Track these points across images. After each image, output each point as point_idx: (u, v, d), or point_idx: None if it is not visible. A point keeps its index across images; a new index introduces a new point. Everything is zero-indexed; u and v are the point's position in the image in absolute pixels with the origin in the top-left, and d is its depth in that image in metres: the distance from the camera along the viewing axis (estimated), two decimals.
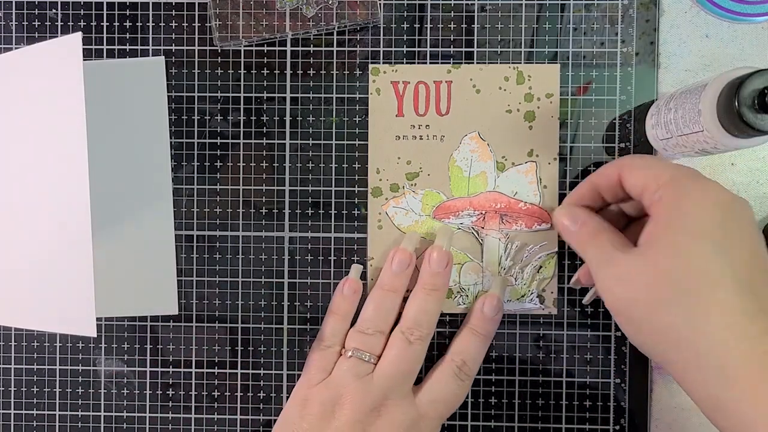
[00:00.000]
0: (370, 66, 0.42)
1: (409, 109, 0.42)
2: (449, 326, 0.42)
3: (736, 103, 0.31)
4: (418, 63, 0.42)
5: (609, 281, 0.33)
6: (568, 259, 0.42)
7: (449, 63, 0.42)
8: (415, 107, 0.42)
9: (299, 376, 0.42)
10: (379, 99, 0.42)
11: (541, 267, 0.42)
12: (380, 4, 0.41)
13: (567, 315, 0.42)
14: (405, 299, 0.41)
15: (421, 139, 0.42)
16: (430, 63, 0.42)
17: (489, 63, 0.42)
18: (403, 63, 0.42)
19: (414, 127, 0.42)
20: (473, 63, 0.42)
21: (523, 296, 0.42)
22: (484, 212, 0.42)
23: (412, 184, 0.42)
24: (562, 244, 0.42)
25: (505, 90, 0.41)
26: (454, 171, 0.42)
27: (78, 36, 0.35)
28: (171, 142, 0.42)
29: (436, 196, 0.42)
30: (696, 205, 0.32)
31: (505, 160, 0.42)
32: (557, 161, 0.42)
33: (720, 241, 0.31)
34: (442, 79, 0.42)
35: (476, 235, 0.42)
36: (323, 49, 0.42)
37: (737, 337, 0.29)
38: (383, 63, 0.42)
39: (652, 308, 0.31)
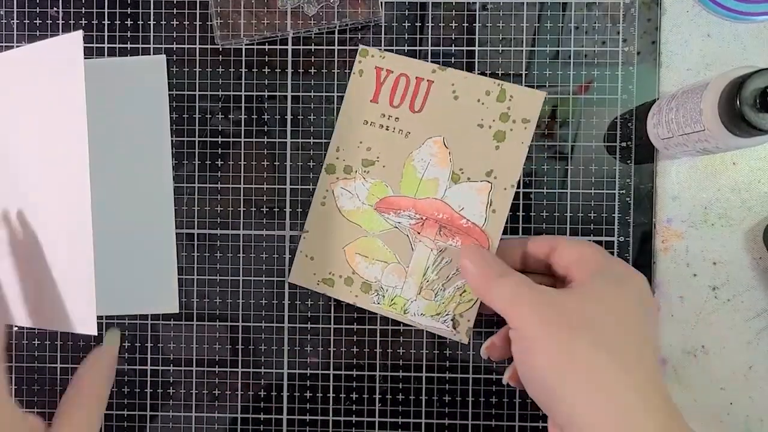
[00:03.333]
0: (360, 47, 0.41)
1: (385, 97, 0.41)
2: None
3: (738, 103, 0.31)
4: (408, 56, 0.41)
5: (529, 302, 0.33)
6: None
7: (437, 63, 0.41)
8: (390, 97, 0.41)
9: (300, 375, 0.42)
10: (359, 80, 0.42)
11: (465, 291, 0.41)
12: (381, 2, 0.41)
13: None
14: None
15: (387, 129, 0.41)
16: (422, 59, 0.41)
17: (477, 73, 0.41)
18: (393, 51, 0.42)
19: (384, 116, 0.41)
20: (461, 69, 0.41)
21: (438, 314, 0.41)
22: (424, 218, 0.41)
23: (365, 171, 0.41)
24: None
25: (483, 104, 0.41)
26: (409, 169, 0.41)
27: (79, 34, 0.35)
28: (172, 141, 0.42)
29: (384, 188, 0.41)
30: (627, 279, 0.34)
31: (462, 172, 0.41)
32: (513, 189, 0.40)
33: (638, 309, 0.33)
34: (424, 77, 0.41)
35: (410, 238, 0.41)
36: (324, 47, 0.42)
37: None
38: (373, 46, 0.42)
39: (561, 335, 0.32)
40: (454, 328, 0.41)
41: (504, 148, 0.40)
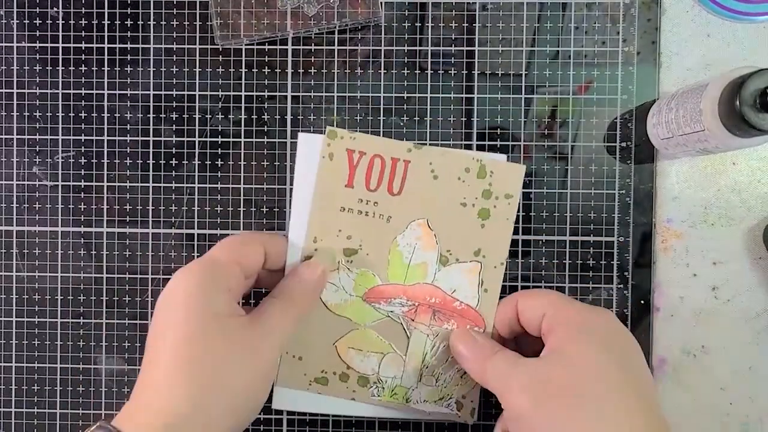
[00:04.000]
0: (327, 129, 0.40)
1: (360, 181, 0.39)
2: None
3: (738, 103, 0.31)
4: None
5: (516, 379, 0.33)
6: None
7: (412, 141, 0.40)
8: (366, 181, 0.39)
9: None
10: (330, 165, 0.40)
11: (465, 373, 0.39)
12: (381, 2, 0.41)
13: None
14: None
15: (366, 215, 0.39)
16: (392, 140, 0.40)
17: (453, 149, 0.40)
18: (363, 131, 0.40)
19: (362, 201, 0.39)
20: (437, 146, 0.40)
21: (441, 399, 0.40)
22: (417, 304, 0.40)
23: (348, 261, 0.40)
24: None
25: (463, 181, 0.39)
26: (395, 255, 0.40)
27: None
28: (172, 141, 0.42)
29: (371, 278, 0.40)
30: (599, 326, 0.34)
31: (450, 254, 0.40)
32: (502, 266, 0.40)
33: (622, 359, 0.33)
34: (400, 157, 0.39)
35: (404, 326, 0.40)
36: (324, 47, 0.42)
37: None
38: (340, 128, 0.40)
39: (549, 408, 0.31)
40: (458, 411, 0.40)
41: (489, 226, 0.40)
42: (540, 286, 0.42)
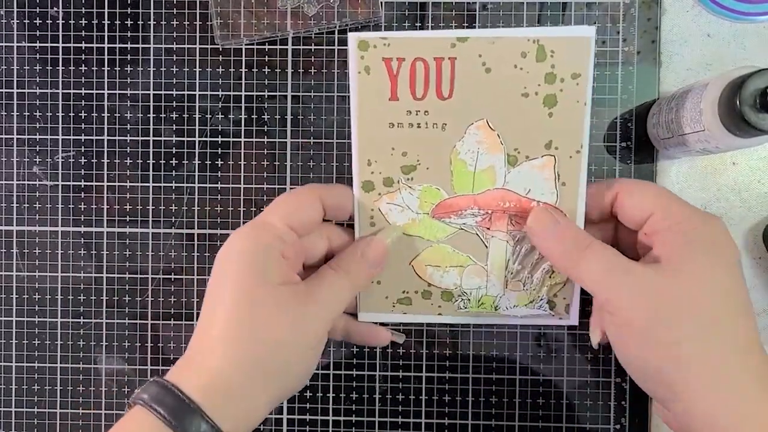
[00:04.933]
0: (357, 39, 0.35)
1: (405, 91, 0.36)
2: (450, 335, 0.42)
3: (738, 103, 0.31)
4: (417, 31, 0.37)
5: (628, 289, 0.32)
6: None
7: (453, 35, 0.35)
8: (411, 89, 0.36)
9: None
10: (368, 79, 0.36)
11: (553, 272, 0.38)
12: (381, 2, 0.41)
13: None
14: None
15: (418, 127, 0.36)
16: (432, 32, 0.37)
17: (503, 31, 0.35)
18: (395, 32, 0.38)
19: (410, 113, 0.36)
20: (484, 36, 0.35)
21: (531, 302, 0.38)
22: (490, 212, 0.37)
23: (408, 179, 0.37)
24: None
25: (521, 69, 0.35)
26: (457, 165, 0.37)
27: None
28: (173, 141, 0.42)
29: (436, 192, 0.37)
30: (713, 236, 0.32)
31: (518, 153, 0.36)
32: (580, 154, 0.36)
33: (739, 275, 0.32)
34: (444, 56, 0.35)
35: (481, 236, 0.38)
36: (324, 47, 0.42)
37: (746, 375, 0.30)
38: (372, 31, 0.37)
39: (669, 323, 0.31)
40: (552, 310, 0.39)
41: (558, 113, 0.35)
42: None
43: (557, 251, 0.35)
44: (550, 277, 0.38)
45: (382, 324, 0.41)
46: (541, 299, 0.38)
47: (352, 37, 0.35)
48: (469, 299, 0.39)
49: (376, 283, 0.39)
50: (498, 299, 0.39)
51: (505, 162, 0.37)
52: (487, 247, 0.38)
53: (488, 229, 0.38)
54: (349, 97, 0.38)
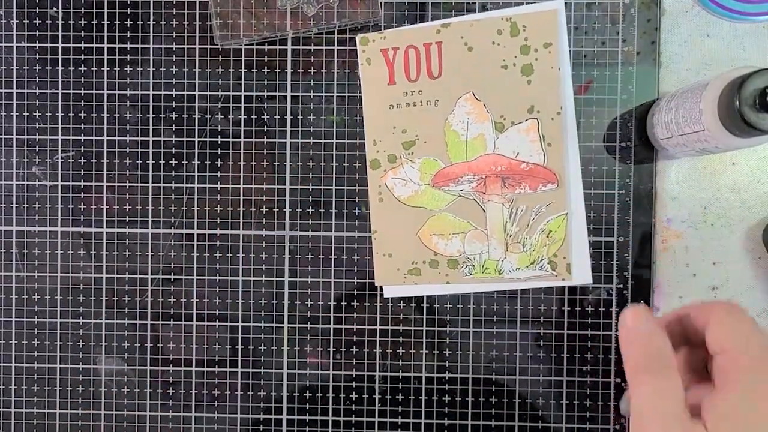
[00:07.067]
0: (359, 36, 0.41)
1: (401, 75, 0.41)
2: (450, 335, 0.42)
3: (737, 103, 0.31)
4: (408, 24, 0.41)
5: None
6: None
7: (438, 23, 0.40)
8: (406, 73, 0.41)
9: (299, 375, 0.42)
10: (370, 69, 0.41)
11: (550, 231, 0.40)
12: (381, 2, 0.41)
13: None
14: None
15: (414, 105, 0.41)
16: (420, 24, 0.41)
17: (480, 15, 0.40)
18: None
19: (407, 93, 0.41)
20: (464, 20, 0.40)
21: (532, 263, 0.41)
22: (484, 176, 0.40)
23: (409, 153, 0.41)
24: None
25: (498, 44, 0.40)
26: (451, 136, 0.41)
27: None
28: (172, 141, 0.42)
29: (434, 163, 0.41)
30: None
31: (504, 119, 0.40)
32: (560, 116, 0.40)
33: None
34: (431, 41, 0.40)
35: (478, 201, 0.41)
36: (324, 47, 0.42)
37: None
38: (372, 31, 0.41)
39: None
40: (553, 270, 0.41)
41: (536, 80, 0.40)
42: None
43: (629, 360, 0.28)
44: (547, 236, 0.40)
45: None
46: (542, 259, 0.41)
47: (357, 36, 0.41)
48: (473, 265, 0.41)
49: (387, 256, 0.42)
50: (501, 263, 0.41)
51: (492, 129, 0.40)
52: (485, 211, 0.41)
53: (484, 193, 0.41)
54: (360, 86, 0.42)
